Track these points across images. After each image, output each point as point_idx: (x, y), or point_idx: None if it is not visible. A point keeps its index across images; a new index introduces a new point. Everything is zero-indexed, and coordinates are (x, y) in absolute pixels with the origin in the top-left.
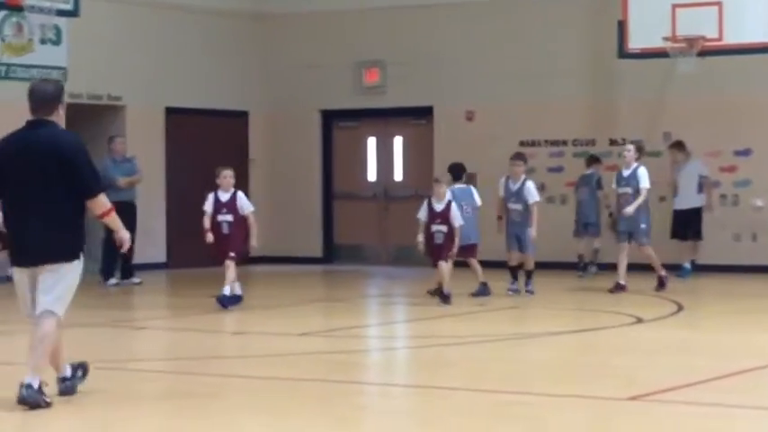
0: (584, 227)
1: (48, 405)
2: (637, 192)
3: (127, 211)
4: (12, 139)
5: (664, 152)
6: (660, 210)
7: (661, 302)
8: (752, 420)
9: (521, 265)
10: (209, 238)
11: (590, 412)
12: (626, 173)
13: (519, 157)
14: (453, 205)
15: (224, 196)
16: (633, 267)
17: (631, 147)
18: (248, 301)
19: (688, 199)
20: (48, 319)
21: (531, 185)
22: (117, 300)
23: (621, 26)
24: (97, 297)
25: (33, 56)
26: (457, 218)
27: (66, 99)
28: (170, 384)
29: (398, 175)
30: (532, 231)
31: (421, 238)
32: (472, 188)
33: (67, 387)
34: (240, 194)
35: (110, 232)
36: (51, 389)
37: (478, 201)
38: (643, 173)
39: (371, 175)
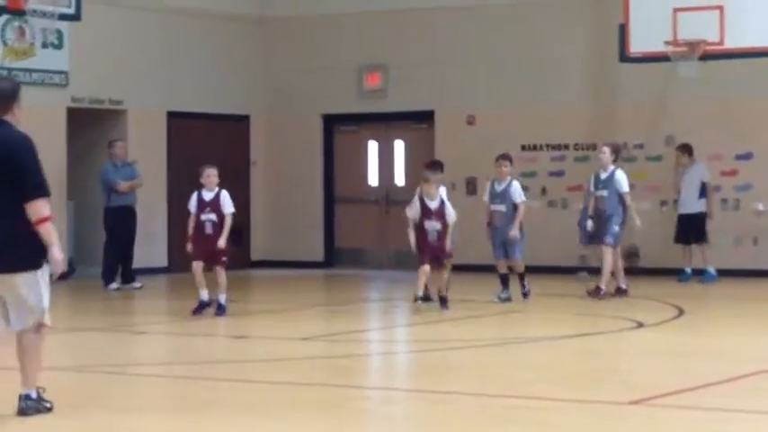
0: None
1: (49, 410)
2: (615, 195)
3: (127, 216)
4: None
5: (665, 156)
6: (662, 214)
7: (662, 307)
8: (753, 424)
9: (510, 271)
10: (190, 248)
11: (592, 416)
12: (603, 176)
13: (505, 157)
14: (447, 201)
15: (208, 195)
16: (633, 272)
17: (606, 149)
18: (250, 305)
19: (691, 203)
20: (26, 334)
21: (517, 185)
22: (118, 304)
23: (623, 30)
24: (98, 301)
25: (35, 60)
26: (451, 215)
27: (69, 103)
28: (171, 389)
29: (400, 180)
30: (514, 231)
31: (413, 237)
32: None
33: (27, 407)
34: (224, 194)
35: (110, 237)
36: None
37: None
38: (621, 176)
39: (373, 180)
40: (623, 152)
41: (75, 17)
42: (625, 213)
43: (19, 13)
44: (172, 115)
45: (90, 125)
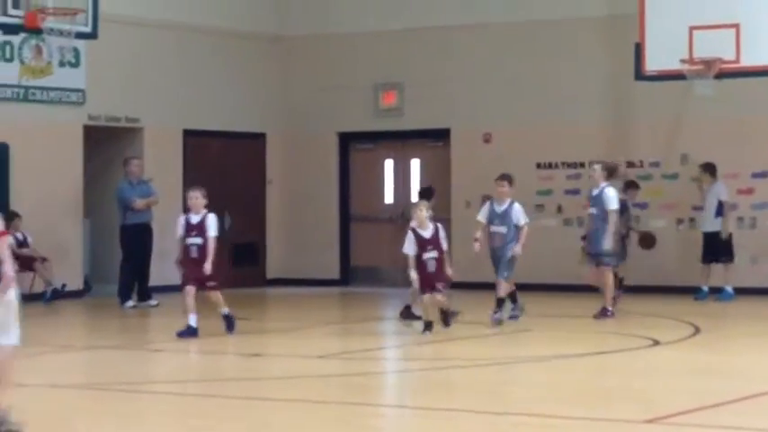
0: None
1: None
2: (603, 212)
3: (143, 233)
4: None
5: (681, 174)
6: (678, 232)
7: (678, 325)
8: None
9: (511, 294)
10: (180, 270)
11: None
12: (594, 192)
13: (504, 177)
14: (440, 228)
15: (194, 218)
16: (649, 290)
17: (597, 166)
18: (265, 323)
19: (711, 222)
20: None
21: (518, 207)
22: (134, 322)
23: (639, 48)
24: (114, 319)
25: (52, 78)
26: (444, 241)
27: (85, 121)
28: (187, 407)
29: (415, 198)
30: (518, 248)
31: (415, 275)
32: None
33: None
34: (210, 217)
35: (126, 254)
36: None
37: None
38: (609, 194)
39: (389, 198)
40: (619, 171)
41: (92, 35)
42: (613, 230)
43: (36, 31)
44: (188, 133)
45: (106, 143)
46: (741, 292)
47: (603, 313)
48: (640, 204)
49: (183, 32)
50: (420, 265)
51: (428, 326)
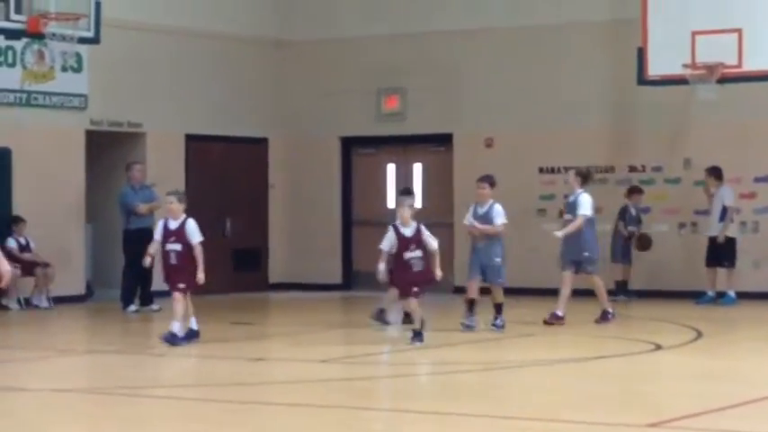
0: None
1: None
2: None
3: (146, 238)
4: None
5: (683, 179)
6: (681, 237)
7: (680, 329)
8: None
9: (492, 298)
10: (146, 262)
11: None
12: (570, 199)
13: (484, 179)
14: (423, 227)
15: (173, 224)
16: (652, 294)
17: (571, 172)
18: (267, 327)
19: (716, 226)
20: None
21: (499, 208)
22: (136, 326)
23: (641, 53)
24: (117, 324)
25: (54, 83)
26: (432, 240)
27: (87, 126)
28: (189, 411)
29: (417, 202)
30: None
31: (382, 267)
32: None
33: None
34: (190, 222)
35: (129, 259)
36: None
37: None
38: (583, 200)
39: (391, 202)
40: (594, 176)
41: (94, 41)
42: (593, 237)
43: (38, 36)
44: (190, 138)
45: (108, 148)
46: (743, 296)
47: (604, 317)
48: (643, 209)
49: (186, 37)
50: (404, 265)
51: (417, 335)
